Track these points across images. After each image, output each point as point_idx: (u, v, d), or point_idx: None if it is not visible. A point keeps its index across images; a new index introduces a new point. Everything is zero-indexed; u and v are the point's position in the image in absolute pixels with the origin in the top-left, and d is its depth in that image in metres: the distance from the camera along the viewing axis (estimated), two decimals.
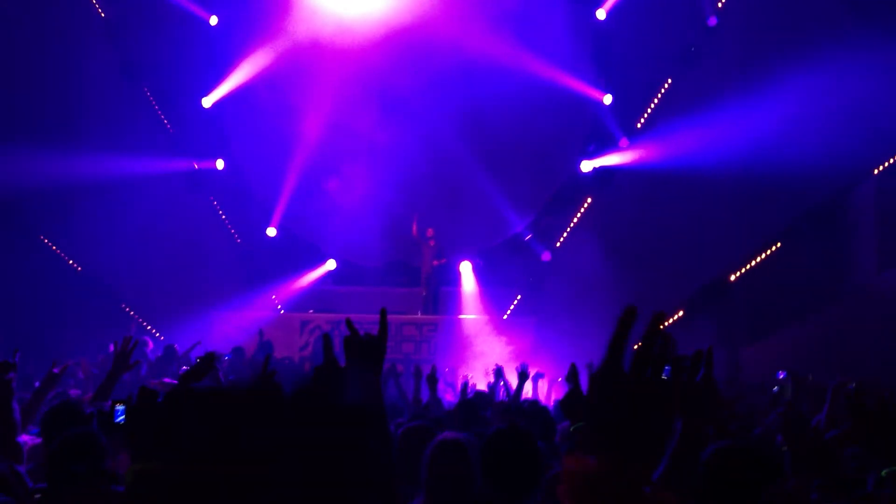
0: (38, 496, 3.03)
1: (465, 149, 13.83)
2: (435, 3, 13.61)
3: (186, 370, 2.42)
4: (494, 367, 9.17)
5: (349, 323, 2.25)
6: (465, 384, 7.99)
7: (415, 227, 13.44)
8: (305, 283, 14.72)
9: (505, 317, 14.03)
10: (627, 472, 1.09)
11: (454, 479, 2.82)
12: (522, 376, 6.65)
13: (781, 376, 8.61)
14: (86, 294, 13.31)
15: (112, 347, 4.71)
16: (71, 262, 13.71)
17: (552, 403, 7.26)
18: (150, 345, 10.24)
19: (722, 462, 2.44)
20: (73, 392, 6.01)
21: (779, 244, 12.77)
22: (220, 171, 14.90)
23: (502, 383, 8.60)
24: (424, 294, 14.07)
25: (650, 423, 1.13)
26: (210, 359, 2.32)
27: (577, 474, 1.11)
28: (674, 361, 2.77)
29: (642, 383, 1.15)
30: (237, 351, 10.24)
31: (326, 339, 2.14)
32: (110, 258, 13.07)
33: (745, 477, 2.48)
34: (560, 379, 9.24)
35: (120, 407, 2.74)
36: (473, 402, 5.57)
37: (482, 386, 8.92)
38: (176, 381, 5.82)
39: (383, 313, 2.18)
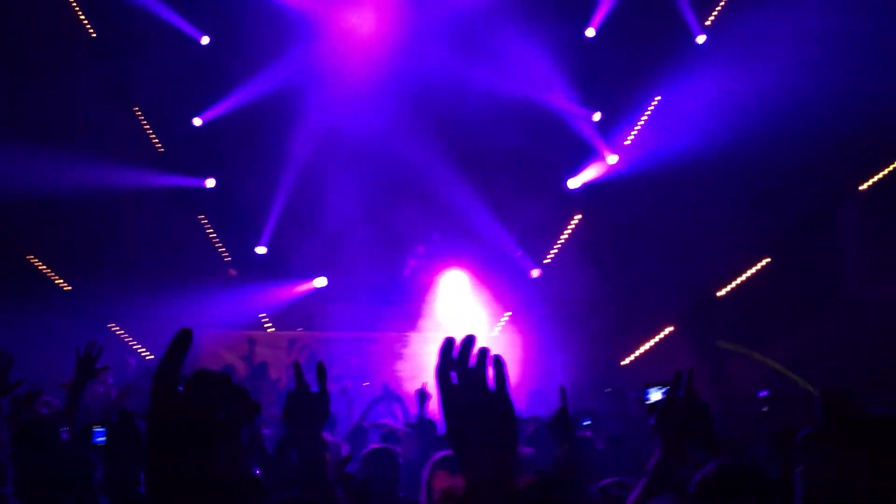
0: None
1: (454, 166, 13.87)
2: (422, 25, 13.67)
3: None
4: None
5: (297, 372, 2.22)
6: None
7: (408, 269, 13.55)
8: (295, 300, 14.67)
9: (495, 333, 14.01)
10: (485, 485, 1.23)
11: None
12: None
13: (763, 395, 8.63)
14: (72, 313, 13.22)
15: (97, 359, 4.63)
16: (58, 280, 13.63)
17: None
18: (133, 363, 10.17)
19: (719, 480, 2.43)
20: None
21: (767, 259, 12.83)
22: (209, 189, 14.88)
23: None
24: (414, 310, 14.07)
25: (483, 431, 1.29)
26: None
27: (445, 492, 1.33)
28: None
29: (468, 395, 1.33)
30: (227, 370, 10.19)
31: (297, 366, 2.14)
32: (97, 277, 13.00)
33: (741, 495, 2.47)
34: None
35: (99, 429, 2.72)
36: None
37: None
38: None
39: (320, 367, 2.18)
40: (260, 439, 4.21)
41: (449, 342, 1.37)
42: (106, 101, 13.65)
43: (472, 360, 1.36)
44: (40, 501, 3.01)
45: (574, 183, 14.57)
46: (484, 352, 1.38)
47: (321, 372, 2.15)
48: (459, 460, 1.29)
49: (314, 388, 2.13)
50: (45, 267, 13.52)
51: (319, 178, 14.33)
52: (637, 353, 13.59)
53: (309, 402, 2.13)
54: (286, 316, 14.41)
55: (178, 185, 14.40)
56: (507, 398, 1.35)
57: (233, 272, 14.44)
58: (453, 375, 1.37)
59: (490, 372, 1.38)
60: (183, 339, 1.24)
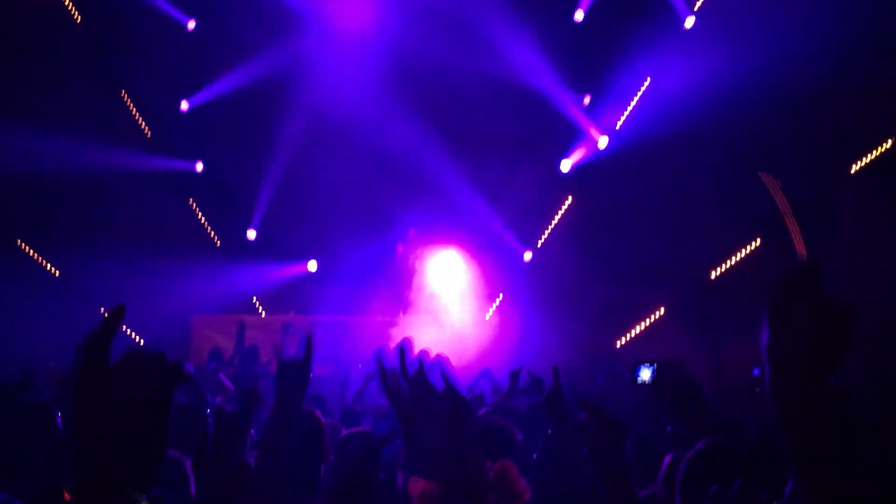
0: None
1: (445, 150, 13.81)
2: (412, 8, 13.55)
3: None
4: (482, 369, 9.17)
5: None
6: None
7: (400, 247, 13.51)
8: (286, 284, 14.63)
9: (487, 317, 14.01)
10: (455, 488, 1.28)
11: None
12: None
13: (757, 373, 8.67)
14: (63, 298, 13.15)
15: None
16: (48, 265, 13.56)
17: None
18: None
19: (708, 457, 2.41)
20: None
21: (759, 240, 12.84)
22: (199, 173, 14.79)
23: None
24: (406, 294, 14.06)
25: (440, 428, 1.39)
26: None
27: (421, 496, 1.37)
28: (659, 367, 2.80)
29: (418, 399, 1.46)
30: (215, 354, 10.18)
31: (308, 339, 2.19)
32: (88, 262, 12.92)
33: (731, 472, 2.45)
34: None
35: None
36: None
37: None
38: None
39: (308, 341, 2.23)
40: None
41: (380, 353, 1.51)
42: (93, 85, 13.53)
43: (413, 366, 1.48)
44: (41, 489, 2.99)
45: (565, 165, 14.54)
46: (420, 357, 1.42)
47: (308, 345, 2.21)
48: (425, 460, 1.32)
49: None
50: (34, 251, 13.44)
51: (309, 162, 14.26)
52: (630, 334, 13.61)
53: (293, 370, 2.18)
54: (278, 299, 14.39)
55: (168, 169, 14.31)
56: (456, 393, 1.43)
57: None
58: (398, 381, 1.42)
59: (434, 373, 1.39)
60: (115, 315, 1.25)
